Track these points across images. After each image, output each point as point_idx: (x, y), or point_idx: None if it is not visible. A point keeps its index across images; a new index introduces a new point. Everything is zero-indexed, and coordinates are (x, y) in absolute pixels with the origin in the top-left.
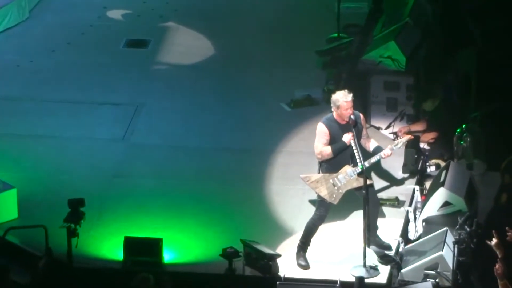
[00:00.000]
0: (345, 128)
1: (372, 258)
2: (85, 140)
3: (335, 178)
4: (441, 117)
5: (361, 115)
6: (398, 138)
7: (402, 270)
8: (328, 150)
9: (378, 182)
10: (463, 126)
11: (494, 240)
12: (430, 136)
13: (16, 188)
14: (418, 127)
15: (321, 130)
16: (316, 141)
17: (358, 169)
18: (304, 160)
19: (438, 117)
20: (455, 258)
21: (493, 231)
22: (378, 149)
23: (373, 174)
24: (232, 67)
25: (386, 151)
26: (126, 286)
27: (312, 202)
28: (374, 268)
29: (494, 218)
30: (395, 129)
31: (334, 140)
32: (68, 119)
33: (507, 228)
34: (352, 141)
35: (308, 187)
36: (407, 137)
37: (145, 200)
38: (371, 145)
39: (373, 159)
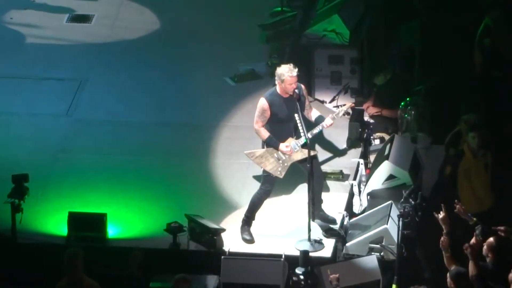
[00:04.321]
0: (289, 102)
1: (317, 232)
2: (29, 115)
3: (279, 152)
4: (390, 91)
5: (303, 86)
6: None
7: (347, 244)
8: (263, 135)
9: (322, 156)
10: (407, 99)
11: (442, 214)
12: (376, 109)
13: None
14: (389, 113)
15: (262, 107)
16: (256, 116)
17: (302, 142)
18: (248, 134)
19: (387, 91)
20: (399, 232)
21: (442, 204)
22: (320, 119)
23: (317, 148)
24: (176, 42)
25: (327, 121)
26: None
27: (256, 176)
28: (319, 242)
29: (439, 191)
30: (339, 103)
31: (275, 115)
32: (12, 94)
33: (455, 200)
34: (296, 115)
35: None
36: (348, 104)
37: (89, 176)
38: (313, 115)
39: (316, 130)
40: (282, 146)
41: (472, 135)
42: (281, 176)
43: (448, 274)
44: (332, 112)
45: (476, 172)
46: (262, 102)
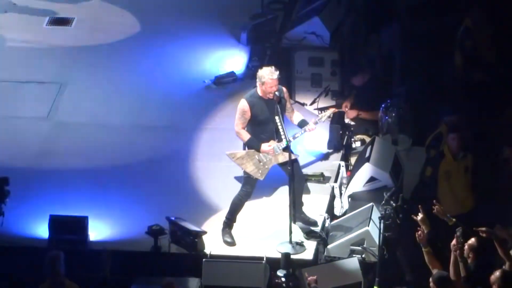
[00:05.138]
0: (269, 103)
1: (298, 234)
2: (9, 118)
3: (261, 154)
4: (370, 92)
5: (284, 89)
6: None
7: (328, 246)
8: (244, 137)
9: (303, 158)
10: (388, 101)
11: (420, 215)
12: (356, 112)
13: None
14: (368, 115)
15: (242, 108)
16: (237, 118)
17: (283, 144)
18: (228, 136)
19: (367, 93)
20: (381, 234)
21: (419, 206)
22: (303, 123)
23: (298, 150)
24: (156, 44)
25: (310, 126)
26: None
27: (237, 178)
28: (300, 244)
29: (419, 193)
30: (320, 105)
31: (256, 117)
32: None
33: (434, 201)
34: (276, 117)
35: (234, 163)
36: (331, 110)
37: (70, 179)
38: (295, 118)
39: (298, 134)
40: (264, 146)
41: (452, 137)
42: (262, 178)
43: (430, 278)
44: (312, 114)
45: (455, 174)
46: (243, 104)
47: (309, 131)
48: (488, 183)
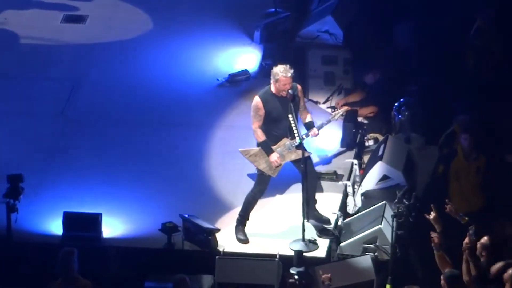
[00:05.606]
0: (283, 101)
1: (311, 232)
2: (24, 115)
3: (274, 151)
4: (382, 90)
5: (299, 87)
6: (336, 110)
7: (341, 244)
8: (259, 137)
9: (316, 156)
10: (401, 99)
11: (432, 214)
12: (369, 110)
13: None
14: (354, 98)
15: (256, 105)
16: (252, 116)
17: (296, 142)
18: (242, 134)
19: (379, 90)
20: (393, 232)
21: (431, 205)
22: (308, 125)
23: (311, 148)
24: (169, 42)
25: (313, 131)
26: None
27: (251, 176)
28: (313, 242)
29: (432, 191)
30: (333, 103)
31: (269, 114)
32: (7, 94)
33: (446, 200)
34: (290, 115)
35: (247, 161)
36: (344, 108)
37: (84, 175)
38: (305, 118)
39: (304, 136)
40: (273, 156)
41: (464, 137)
42: (274, 175)
43: (442, 276)
44: (325, 113)
45: (465, 174)
46: (256, 100)
47: (311, 136)
48: (500, 181)
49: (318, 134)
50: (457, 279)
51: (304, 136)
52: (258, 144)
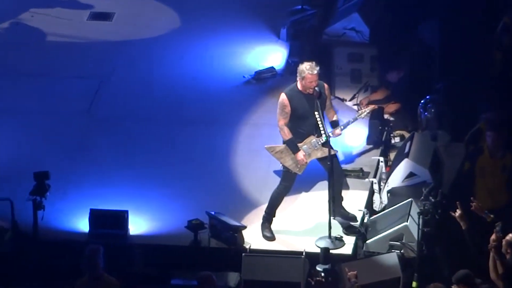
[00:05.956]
0: (309, 98)
1: (337, 229)
2: (51, 113)
3: (300, 148)
4: (406, 88)
5: (325, 85)
6: (360, 109)
7: (367, 241)
8: (286, 135)
9: (342, 153)
10: (427, 97)
11: (458, 212)
12: (394, 107)
13: None
14: (377, 96)
15: (282, 102)
16: (278, 113)
17: (323, 140)
18: (268, 132)
19: (403, 88)
20: (419, 229)
21: (457, 202)
22: (332, 125)
23: (337, 145)
24: (196, 40)
25: (336, 131)
26: None
27: (277, 173)
28: (339, 239)
29: (458, 188)
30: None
31: (295, 111)
32: (33, 92)
33: (471, 198)
34: (316, 112)
35: (273, 158)
36: (370, 107)
37: (110, 173)
38: (330, 117)
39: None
40: (299, 154)
41: (489, 135)
42: (300, 173)
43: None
44: (352, 110)
45: (491, 172)
46: (282, 97)
47: (333, 136)
48: None
49: (340, 134)
50: (469, 278)
51: (330, 134)
52: (284, 142)
